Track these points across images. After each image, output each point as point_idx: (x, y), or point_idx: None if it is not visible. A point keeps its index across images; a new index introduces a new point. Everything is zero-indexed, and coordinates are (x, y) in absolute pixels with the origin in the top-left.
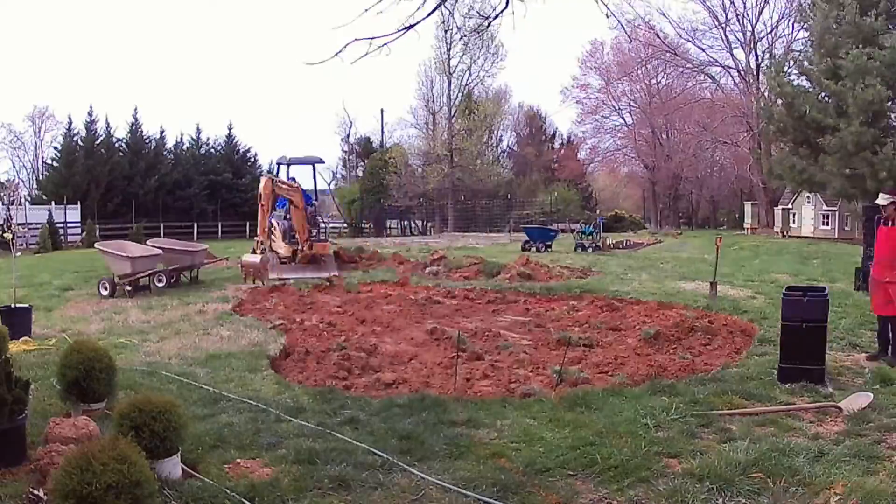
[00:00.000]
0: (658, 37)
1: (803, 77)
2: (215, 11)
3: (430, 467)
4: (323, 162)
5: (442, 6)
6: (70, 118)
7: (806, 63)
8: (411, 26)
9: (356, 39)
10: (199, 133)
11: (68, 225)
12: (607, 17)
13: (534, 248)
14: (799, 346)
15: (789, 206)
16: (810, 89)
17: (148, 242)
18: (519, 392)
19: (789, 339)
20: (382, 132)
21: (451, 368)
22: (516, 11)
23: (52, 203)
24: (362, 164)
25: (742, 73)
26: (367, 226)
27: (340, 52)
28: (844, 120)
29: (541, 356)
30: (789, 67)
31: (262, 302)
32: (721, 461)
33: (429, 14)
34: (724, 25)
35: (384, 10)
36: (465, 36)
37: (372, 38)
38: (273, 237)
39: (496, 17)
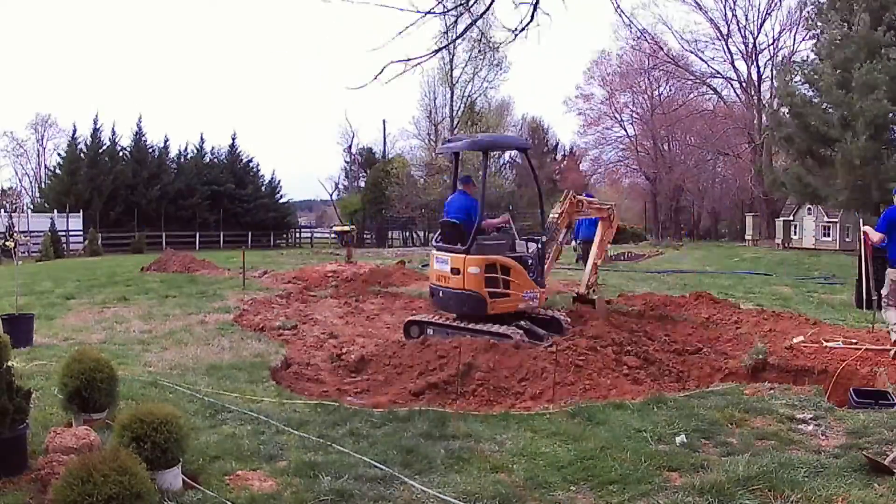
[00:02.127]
0: (661, 48)
1: (807, 86)
2: (220, 21)
3: (431, 480)
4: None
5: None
6: (75, 126)
7: (813, 73)
8: (443, 47)
9: (392, 62)
10: (203, 142)
11: (70, 233)
12: (625, 26)
13: None
14: None
15: (790, 217)
16: (816, 100)
17: None
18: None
19: None
20: (385, 143)
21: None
22: (541, 23)
23: (55, 211)
24: (364, 174)
25: (744, 84)
26: (368, 236)
27: (379, 74)
28: (849, 132)
29: None
30: (795, 76)
31: (263, 312)
32: (722, 475)
33: (460, 35)
34: (726, 37)
35: (413, 33)
36: (479, 51)
37: (408, 60)
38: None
39: (522, 29)
